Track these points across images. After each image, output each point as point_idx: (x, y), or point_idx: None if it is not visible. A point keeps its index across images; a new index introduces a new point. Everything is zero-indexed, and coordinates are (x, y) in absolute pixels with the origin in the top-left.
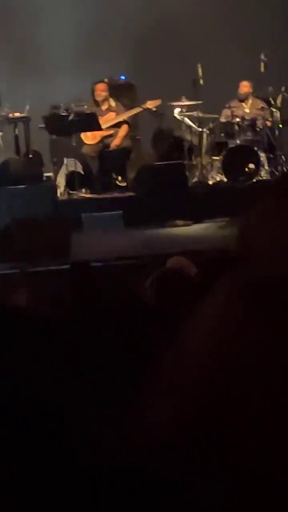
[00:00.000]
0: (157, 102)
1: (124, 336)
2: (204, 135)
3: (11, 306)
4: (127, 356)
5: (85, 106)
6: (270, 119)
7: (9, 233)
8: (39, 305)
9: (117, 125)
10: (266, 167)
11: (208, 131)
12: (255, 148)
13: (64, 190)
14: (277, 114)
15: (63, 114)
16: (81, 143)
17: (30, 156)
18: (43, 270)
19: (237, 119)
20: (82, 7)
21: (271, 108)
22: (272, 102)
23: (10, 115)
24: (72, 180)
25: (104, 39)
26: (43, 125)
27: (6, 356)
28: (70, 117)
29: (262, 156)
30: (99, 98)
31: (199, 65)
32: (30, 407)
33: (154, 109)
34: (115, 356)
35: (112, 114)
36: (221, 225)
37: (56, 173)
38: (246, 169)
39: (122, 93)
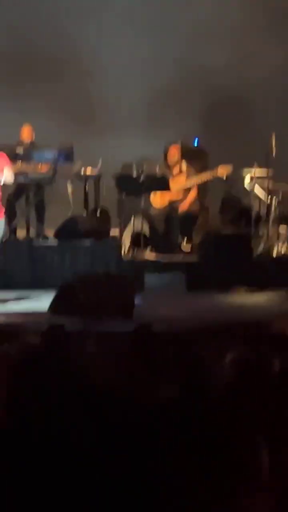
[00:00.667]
0: (228, 169)
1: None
2: (273, 205)
3: (71, 363)
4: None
5: (157, 168)
6: None
7: (72, 288)
8: (100, 364)
9: (187, 189)
10: None
11: (277, 201)
12: None
13: (129, 249)
14: None
15: (134, 174)
16: (149, 204)
17: (98, 213)
18: (105, 329)
19: None
20: (159, 66)
21: None
22: None
23: (82, 171)
24: (138, 240)
25: (179, 101)
26: (113, 183)
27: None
28: (141, 178)
29: None
30: (171, 161)
31: (273, 134)
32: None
33: (224, 177)
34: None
35: (183, 178)
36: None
37: (122, 232)
38: None
39: (194, 157)
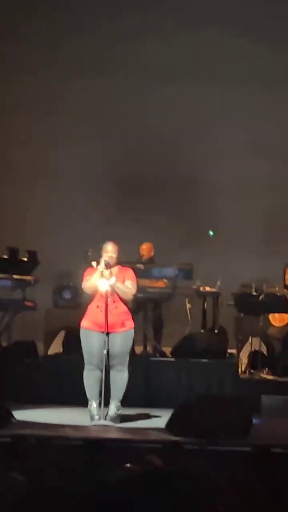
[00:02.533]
0: None
1: None
2: None
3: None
4: None
5: (276, 288)
6: None
7: (190, 407)
8: (217, 485)
9: None
10: None
11: None
12: None
13: (246, 368)
14: None
15: (254, 293)
16: (267, 323)
17: (216, 331)
18: (222, 450)
19: None
20: (278, 187)
21: None
22: None
23: (201, 288)
24: (255, 360)
25: None
26: (232, 302)
27: None
28: (260, 297)
29: None
30: None
31: None
32: None
33: None
34: None
35: None
36: None
37: (239, 351)
38: None
39: None
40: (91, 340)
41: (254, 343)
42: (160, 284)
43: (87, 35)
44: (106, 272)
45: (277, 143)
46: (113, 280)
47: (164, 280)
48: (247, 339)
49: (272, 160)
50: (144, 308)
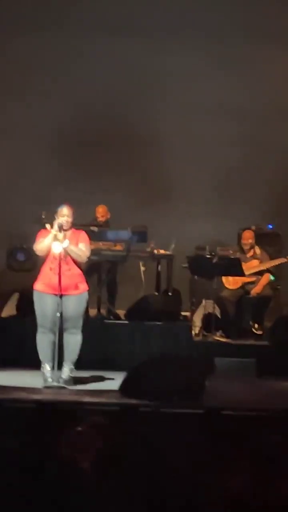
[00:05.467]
0: None
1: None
2: None
3: (144, 444)
4: None
5: (230, 251)
6: None
7: (143, 369)
8: (171, 445)
9: (260, 273)
10: None
11: None
12: None
13: (200, 331)
14: None
15: (208, 256)
16: (221, 286)
17: (170, 293)
18: (175, 412)
19: None
20: (235, 150)
21: None
22: None
23: (155, 251)
24: (209, 322)
25: (253, 186)
26: (186, 265)
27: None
28: (214, 260)
29: None
30: (245, 245)
31: None
32: None
33: None
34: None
35: (256, 262)
36: None
37: (193, 313)
38: None
39: (268, 241)
40: (44, 303)
41: (207, 306)
42: (115, 246)
43: None
44: (60, 235)
45: (231, 101)
46: (66, 243)
47: (119, 243)
48: (201, 302)
49: (227, 118)
50: (98, 270)
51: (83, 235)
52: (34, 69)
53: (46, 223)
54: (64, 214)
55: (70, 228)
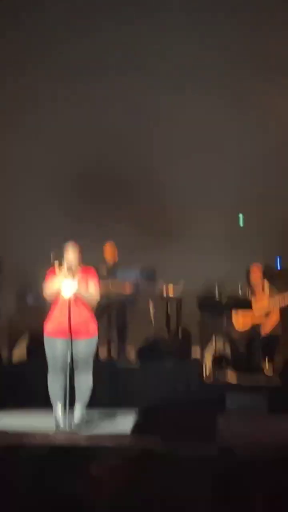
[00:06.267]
0: None
1: None
2: None
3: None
4: None
5: (240, 289)
6: None
7: (154, 411)
8: (186, 488)
9: (269, 311)
10: None
11: None
12: None
13: (210, 371)
14: None
15: (216, 294)
16: (231, 325)
17: (180, 334)
18: (188, 453)
19: None
20: (238, 188)
21: None
22: None
23: (164, 293)
24: (219, 362)
25: (261, 220)
26: (196, 304)
27: None
28: (223, 298)
29: None
30: (254, 282)
31: None
32: None
33: None
34: None
35: (265, 298)
36: None
37: (203, 353)
38: None
39: (278, 279)
40: (55, 347)
41: (218, 346)
42: (124, 288)
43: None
44: (69, 279)
45: (238, 139)
46: (75, 285)
47: (128, 282)
48: (211, 341)
49: (233, 156)
50: (108, 312)
51: (92, 272)
52: (41, 107)
53: (55, 261)
54: (70, 252)
55: (78, 265)
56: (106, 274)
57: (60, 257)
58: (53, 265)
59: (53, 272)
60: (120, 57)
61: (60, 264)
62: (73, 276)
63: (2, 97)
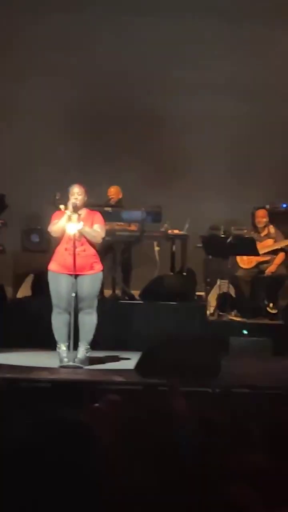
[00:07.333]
0: None
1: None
2: None
3: (158, 423)
4: None
5: (245, 231)
6: None
7: (158, 349)
8: (184, 425)
9: (274, 252)
10: None
11: None
12: None
13: (214, 311)
14: None
15: (222, 236)
16: (236, 265)
17: (184, 273)
18: (189, 390)
19: None
20: (250, 128)
21: None
22: None
23: (169, 231)
24: (223, 302)
25: (267, 165)
26: (200, 245)
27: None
28: (229, 240)
29: None
30: (259, 224)
31: None
32: None
33: None
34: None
35: (270, 241)
36: None
37: (208, 293)
38: None
39: (282, 220)
40: (59, 283)
41: (222, 286)
42: (129, 227)
43: None
44: (75, 217)
45: (245, 79)
46: (81, 225)
47: (133, 223)
48: (216, 282)
49: (241, 97)
50: (112, 251)
51: (97, 216)
52: (45, 49)
53: (60, 204)
54: (75, 193)
55: (84, 208)
56: (111, 215)
57: (65, 199)
58: (58, 208)
59: (59, 213)
60: None
61: (66, 207)
62: (79, 216)
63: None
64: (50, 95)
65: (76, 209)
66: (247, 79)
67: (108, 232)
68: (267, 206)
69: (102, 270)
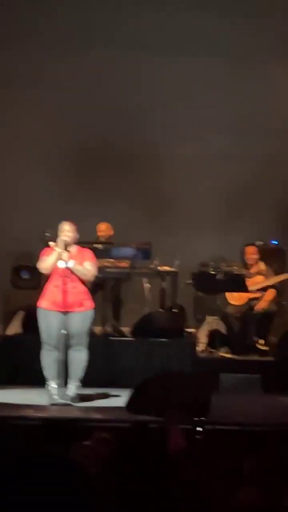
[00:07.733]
0: None
1: None
2: None
3: (150, 460)
4: None
5: (235, 267)
6: None
7: (148, 386)
8: (176, 462)
9: (264, 289)
10: None
11: None
12: None
13: (205, 348)
14: None
15: (212, 272)
16: (226, 302)
17: (175, 310)
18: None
19: None
20: (238, 164)
21: None
22: None
23: (159, 268)
24: (213, 339)
25: (257, 202)
26: (190, 281)
27: None
28: (218, 276)
29: None
30: (249, 261)
31: None
32: None
33: None
34: None
35: (261, 277)
36: None
37: (198, 330)
38: None
39: (272, 257)
40: (49, 320)
41: (212, 322)
42: (119, 263)
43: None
44: (65, 255)
45: (238, 117)
46: (71, 263)
47: (123, 260)
48: (206, 318)
49: (228, 135)
50: (102, 288)
51: (88, 253)
52: (35, 82)
53: (50, 241)
54: (65, 230)
55: (75, 244)
56: (101, 252)
57: (55, 236)
58: (48, 245)
59: (49, 249)
60: (117, 26)
61: (56, 244)
62: (69, 253)
63: None
64: (39, 131)
65: (66, 246)
66: (242, 117)
67: (98, 269)
68: (258, 243)
69: (94, 308)
